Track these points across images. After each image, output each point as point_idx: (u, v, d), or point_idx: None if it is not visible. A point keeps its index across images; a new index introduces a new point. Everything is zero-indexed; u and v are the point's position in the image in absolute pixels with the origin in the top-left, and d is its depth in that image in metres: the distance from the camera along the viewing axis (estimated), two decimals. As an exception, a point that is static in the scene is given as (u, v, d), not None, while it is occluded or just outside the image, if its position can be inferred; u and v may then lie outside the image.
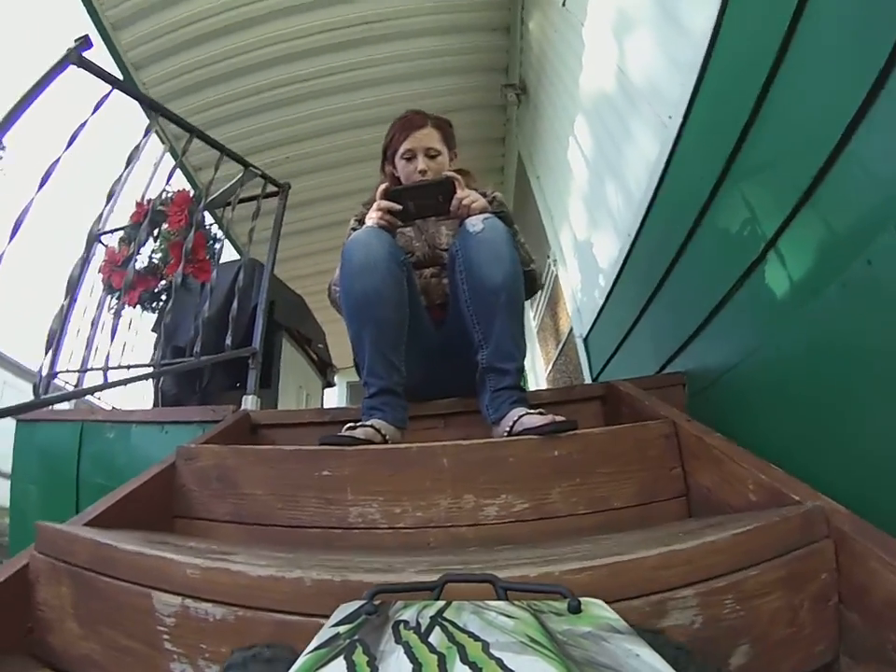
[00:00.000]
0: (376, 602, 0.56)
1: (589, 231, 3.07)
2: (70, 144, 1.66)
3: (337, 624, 0.52)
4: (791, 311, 1.28)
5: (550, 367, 4.80)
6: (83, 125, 1.70)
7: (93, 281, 3.15)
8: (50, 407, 2.67)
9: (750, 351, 1.46)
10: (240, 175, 2.61)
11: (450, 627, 0.49)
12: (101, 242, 3.23)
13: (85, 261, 2.96)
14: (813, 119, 1.15)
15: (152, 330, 3.33)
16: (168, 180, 2.63)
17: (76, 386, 2.81)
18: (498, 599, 0.60)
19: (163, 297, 3.18)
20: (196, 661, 0.79)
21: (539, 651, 0.42)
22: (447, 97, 4.43)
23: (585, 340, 3.33)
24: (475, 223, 1.54)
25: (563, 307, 3.96)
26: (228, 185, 2.80)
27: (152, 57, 4.01)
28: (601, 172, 2.71)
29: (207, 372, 2.59)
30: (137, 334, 3.23)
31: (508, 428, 1.38)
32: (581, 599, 0.54)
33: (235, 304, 2.37)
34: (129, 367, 2.65)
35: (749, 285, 1.45)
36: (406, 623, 0.51)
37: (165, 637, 0.82)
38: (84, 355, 2.66)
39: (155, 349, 3.12)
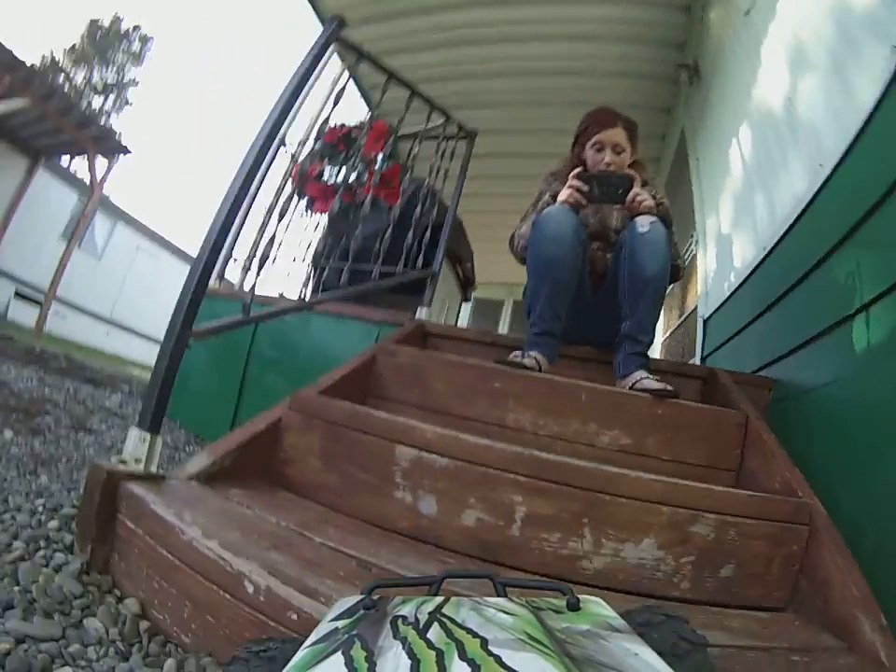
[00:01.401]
0: (375, 597, 0.58)
1: (732, 227, 3.29)
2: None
3: (336, 619, 0.54)
4: (875, 364, 1.45)
5: (668, 334, 5.08)
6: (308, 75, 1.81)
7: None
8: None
9: (835, 381, 1.67)
10: (443, 121, 3.00)
11: (448, 623, 0.50)
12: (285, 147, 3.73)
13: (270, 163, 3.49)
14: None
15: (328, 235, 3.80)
16: (369, 124, 3.06)
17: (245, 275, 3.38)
18: (497, 595, 0.62)
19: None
20: (416, 490, 1.27)
21: (538, 649, 0.44)
22: (622, 61, 4.65)
23: (706, 322, 3.60)
24: (644, 224, 1.94)
25: (693, 284, 4.17)
26: (428, 126, 3.16)
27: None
28: (753, 181, 2.92)
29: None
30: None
31: (631, 384, 1.83)
32: (581, 597, 0.56)
33: (428, 230, 2.88)
34: (327, 265, 3.18)
35: (858, 322, 1.58)
36: (405, 618, 0.52)
37: (398, 474, 1.29)
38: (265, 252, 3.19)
39: (329, 252, 3.64)
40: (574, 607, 0.54)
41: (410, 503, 1.28)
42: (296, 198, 3.56)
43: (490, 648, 0.44)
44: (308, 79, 1.79)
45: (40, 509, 1.31)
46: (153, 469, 1.24)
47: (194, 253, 1.49)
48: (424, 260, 2.90)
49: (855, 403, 1.54)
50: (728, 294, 3.09)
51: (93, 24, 25.68)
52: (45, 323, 9.82)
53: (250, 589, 0.87)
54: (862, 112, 1.70)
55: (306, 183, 3.69)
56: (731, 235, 3.30)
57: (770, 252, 2.46)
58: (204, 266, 1.41)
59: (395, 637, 0.48)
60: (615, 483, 1.23)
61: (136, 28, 26.50)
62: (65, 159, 12.76)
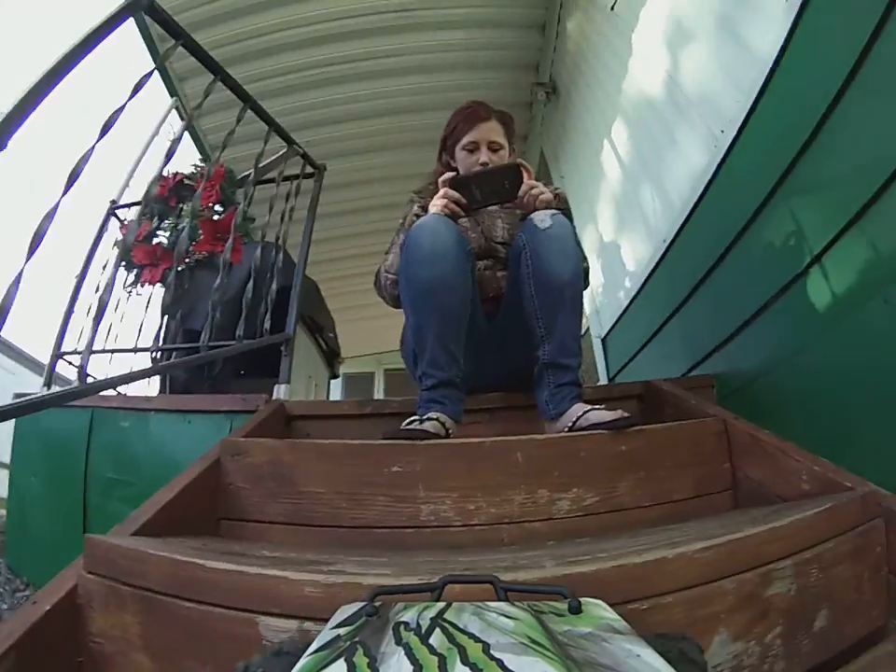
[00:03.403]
0: (377, 604, 0.56)
1: (617, 233, 3.09)
2: (132, 95, 1.47)
3: (338, 626, 0.53)
4: (832, 323, 1.37)
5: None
6: (146, 79, 1.52)
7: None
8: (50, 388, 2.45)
9: (786, 358, 1.53)
10: (283, 151, 2.53)
11: (450, 628, 0.49)
12: (116, 216, 3.03)
13: (100, 235, 2.83)
14: (869, 150, 1.22)
15: (162, 311, 2.93)
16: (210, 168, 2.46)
17: (80, 369, 2.62)
18: (499, 600, 0.60)
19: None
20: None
21: (540, 653, 0.43)
22: (474, 91, 4.26)
23: (604, 340, 3.36)
24: (543, 218, 1.53)
25: (578, 306, 3.96)
26: (268, 160, 2.62)
27: (196, 24, 3.87)
28: (637, 177, 2.73)
29: (220, 359, 2.47)
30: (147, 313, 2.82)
31: (570, 424, 1.38)
32: (582, 599, 0.55)
33: (274, 286, 2.29)
34: (153, 349, 2.43)
35: (789, 296, 1.51)
36: (406, 624, 0.51)
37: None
38: (90, 337, 2.48)
39: (163, 330, 2.80)
40: (576, 609, 0.53)
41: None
42: (124, 271, 2.90)
43: (492, 652, 0.43)
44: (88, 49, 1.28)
45: None
46: None
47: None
48: (273, 328, 2.27)
49: (834, 369, 1.42)
50: (627, 303, 2.87)
51: None
52: None
53: None
54: (765, 65, 1.61)
55: (133, 248, 2.90)
56: (617, 241, 3.10)
57: (673, 241, 2.23)
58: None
59: (397, 643, 0.47)
60: (645, 580, 0.76)
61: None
62: None
